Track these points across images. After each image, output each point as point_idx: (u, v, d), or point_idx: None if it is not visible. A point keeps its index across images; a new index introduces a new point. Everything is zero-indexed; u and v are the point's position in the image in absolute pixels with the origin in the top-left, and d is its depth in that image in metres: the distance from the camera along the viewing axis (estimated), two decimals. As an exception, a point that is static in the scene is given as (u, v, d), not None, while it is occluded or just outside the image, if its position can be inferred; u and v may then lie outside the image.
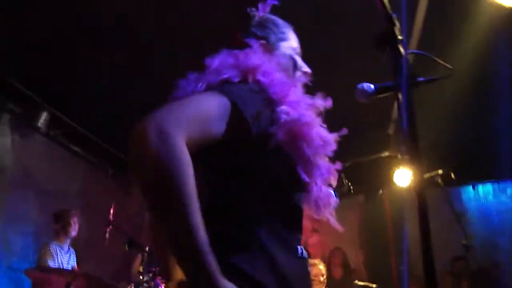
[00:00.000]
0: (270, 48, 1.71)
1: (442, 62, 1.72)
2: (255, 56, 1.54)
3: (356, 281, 5.19)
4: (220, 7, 4.01)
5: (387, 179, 6.06)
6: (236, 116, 1.32)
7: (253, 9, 1.83)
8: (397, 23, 1.36)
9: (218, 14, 4.07)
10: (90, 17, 4.32)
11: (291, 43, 1.79)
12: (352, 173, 6.10)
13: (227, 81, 1.44)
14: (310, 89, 1.66)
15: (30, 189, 5.66)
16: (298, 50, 1.81)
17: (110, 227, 4.65)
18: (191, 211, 1.13)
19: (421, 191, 1.16)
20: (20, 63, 4.86)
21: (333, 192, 1.55)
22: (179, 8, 4.15)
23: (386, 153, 6.06)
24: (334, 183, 1.61)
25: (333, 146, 1.51)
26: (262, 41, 1.71)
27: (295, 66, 1.76)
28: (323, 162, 1.49)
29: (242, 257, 1.33)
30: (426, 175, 4.40)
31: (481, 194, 6.55)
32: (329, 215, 1.54)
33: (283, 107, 1.43)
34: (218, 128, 1.30)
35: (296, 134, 1.43)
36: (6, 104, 5.37)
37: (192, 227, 1.13)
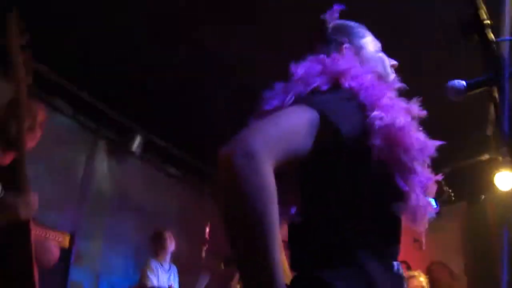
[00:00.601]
0: (355, 50, 1.64)
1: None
2: (342, 60, 1.47)
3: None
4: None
5: (489, 184, 5.70)
6: (327, 128, 1.25)
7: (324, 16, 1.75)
8: (483, 6, 1.24)
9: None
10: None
11: (373, 41, 1.72)
12: (452, 179, 5.88)
13: (316, 91, 1.38)
14: (401, 93, 1.56)
15: (127, 211, 5.88)
16: (380, 47, 1.73)
17: (207, 245, 4.73)
18: (272, 249, 1.05)
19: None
20: (110, 88, 5.09)
21: (433, 201, 1.43)
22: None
23: (486, 156, 5.73)
24: (433, 191, 1.47)
25: (432, 152, 1.40)
26: (346, 45, 1.65)
27: (384, 65, 1.67)
28: (421, 169, 1.37)
29: (334, 271, 1.24)
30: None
31: None
32: (425, 226, 1.40)
33: (376, 112, 1.34)
34: (308, 145, 1.23)
35: (392, 140, 1.33)
36: (100, 131, 5.65)
37: (271, 264, 1.05)
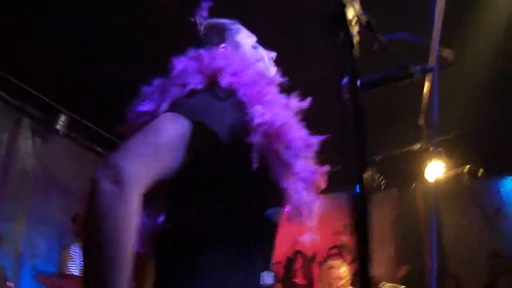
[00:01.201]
0: (233, 48, 1.60)
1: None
2: (220, 57, 1.42)
3: (384, 283, 4.97)
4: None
5: (420, 173, 5.81)
6: (203, 134, 1.23)
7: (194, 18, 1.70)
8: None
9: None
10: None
11: (249, 37, 1.67)
12: (384, 167, 5.95)
13: (192, 92, 1.31)
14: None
15: (53, 191, 5.68)
16: (256, 41, 1.69)
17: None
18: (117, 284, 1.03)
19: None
20: (35, 69, 4.83)
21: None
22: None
23: (418, 146, 5.80)
24: (323, 185, 1.47)
25: (314, 147, 1.40)
26: (222, 45, 1.61)
27: (264, 59, 1.64)
28: (305, 164, 1.37)
29: (195, 284, 1.23)
30: (451, 172, 4.16)
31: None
32: (312, 222, 1.39)
33: (256, 108, 1.31)
34: (184, 158, 1.22)
35: (272, 137, 1.31)
36: (25, 108, 5.39)
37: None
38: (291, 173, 1.33)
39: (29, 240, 5.45)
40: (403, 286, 4.84)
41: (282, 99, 1.43)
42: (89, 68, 4.79)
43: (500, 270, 4.92)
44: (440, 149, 5.55)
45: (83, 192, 4.50)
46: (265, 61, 1.64)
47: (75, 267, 4.76)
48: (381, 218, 6.69)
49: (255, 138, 1.28)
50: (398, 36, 1.58)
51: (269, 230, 1.41)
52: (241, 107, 1.32)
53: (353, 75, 1.08)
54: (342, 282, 4.45)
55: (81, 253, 3.86)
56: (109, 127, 5.97)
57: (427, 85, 5.00)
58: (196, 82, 1.33)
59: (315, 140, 1.40)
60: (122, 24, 4.30)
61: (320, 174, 1.42)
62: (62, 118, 5.37)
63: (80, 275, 4.54)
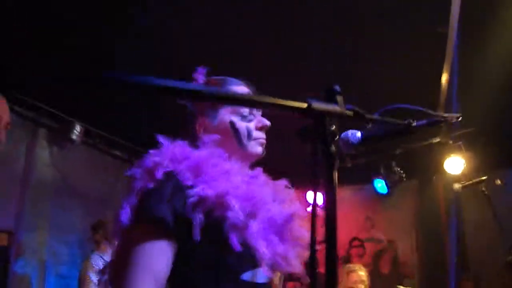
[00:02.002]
0: (208, 121, 1.66)
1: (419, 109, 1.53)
2: (166, 150, 1.50)
3: (399, 287, 4.94)
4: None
5: (440, 166, 5.72)
6: (167, 231, 1.36)
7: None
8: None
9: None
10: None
11: (235, 107, 1.67)
12: (404, 160, 5.87)
13: (143, 197, 1.42)
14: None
15: (72, 198, 5.76)
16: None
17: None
18: None
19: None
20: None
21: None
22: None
23: (437, 139, 5.70)
24: (303, 213, 1.54)
25: (259, 197, 1.46)
26: (200, 118, 1.67)
27: (239, 133, 1.65)
28: (266, 215, 1.45)
29: None
30: (468, 182, 4.08)
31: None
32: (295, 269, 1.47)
33: (194, 190, 1.40)
34: (169, 257, 1.39)
35: (215, 209, 1.39)
36: (41, 118, 5.42)
37: None
38: (250, 232, 1.39)
39: (52, 248, 5.55)
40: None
41: (223, 167, 1.49)
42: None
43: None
44: (459, 142, 5.45)
45: (101, 197, 4.59)
46: (240, 134, 1.66)
47: (95, 278, 4.83)
48: (402, 209, 6.64)
49: (193, 216, 1.36)
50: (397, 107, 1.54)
51: None
52: (181, 191, 1.40)
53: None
54: (362, 286, 4.43)
55: (101, 262, 3.95)
56: (122, 132, 6.02)
57: (445, 78, 4.89)
58: (142, 185, 1.43)
59: (255, 190, 1.48)
60: (130, 33, 4.27)
61: (286, 215, 1.49)
62: (77, 128, 5.39)
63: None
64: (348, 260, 5.85)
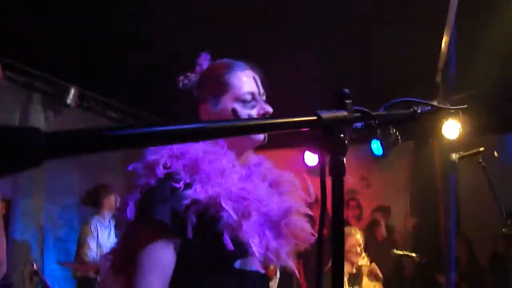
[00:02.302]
0: (210, 108, 1.67)
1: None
2: (165, 150, 1.52)
3: (394, 250, 5.01)
4: None
5: (437, 130, 5.72)
6: (174, 232, 1.44)
7: (187, 74, 1.76)
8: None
9: None
10: None
11: (234, 91, 1.65)
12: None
13: (145, 196, 1.47)
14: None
15: (67, 162, 5.72)
16: (249, 90, 1.67)
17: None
18: None
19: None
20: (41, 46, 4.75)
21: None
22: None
23: (434, 103, 5.67)
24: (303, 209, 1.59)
25: (248, 196, 1.49)
26: (203, 105, 1.69)
27: (238, 117, 1.63)
28: (256, 215, 1.49)
29: None
30: (465, 153, 4.07)
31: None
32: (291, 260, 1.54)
33: (188, 192, 1.45)
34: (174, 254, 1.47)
35: (208, 210, 1.44)
36: (34, 83, 5.34)
37: None
38: (243, 232, 1.44)
39: (49, 212, 5.58)
40: (414, 254, 4.86)
41: (220, 166, 1.52)
42: (93, 42, 4.70)
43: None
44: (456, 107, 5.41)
45: (98, 159, 4.55)
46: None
47: (93, 243, 4.88)
48: (397, 170, 6.67)
49: (188, 216, 1.42)
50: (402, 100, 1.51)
51: (242, 277, 1.54)
52: (176, 192, 1.45)
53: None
54: (359, 249, 4.51)
55: (101, 227, 3.98)
56: (118, 94, 5.95)
57: (445, 41, 4.83)
58: (143, 183, 1.48)
59: (246, 188, 1.50)
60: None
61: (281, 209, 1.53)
62: (72, 92, 5.31)
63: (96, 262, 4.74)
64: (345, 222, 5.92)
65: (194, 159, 1.50)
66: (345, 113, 1.07)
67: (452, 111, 4.39)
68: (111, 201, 5.07)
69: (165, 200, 1.44)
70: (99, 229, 4.99)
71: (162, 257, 1.45)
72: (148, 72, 5.02)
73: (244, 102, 1.64)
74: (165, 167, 1.48)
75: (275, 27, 4.51)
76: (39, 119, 5.44)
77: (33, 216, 5.34)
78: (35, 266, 4.60)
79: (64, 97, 5.28)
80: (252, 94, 1.66)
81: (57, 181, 5.60)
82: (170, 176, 1.47)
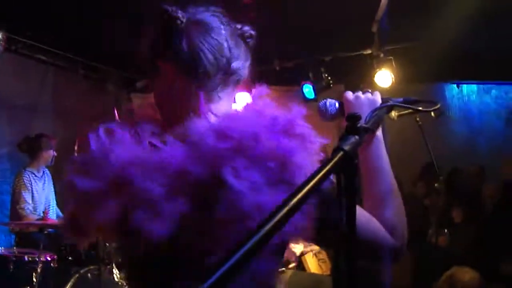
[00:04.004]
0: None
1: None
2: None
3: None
4: None
5: (368, 78, 5.89)
6: None
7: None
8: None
9: None
10: None
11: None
12: (333, 67, 5.97)
13: None
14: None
15: (-1, 109, 5.46)
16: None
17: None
18: None
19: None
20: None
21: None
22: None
23: (369, 51, 5.82)
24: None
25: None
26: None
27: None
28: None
29: None
30: (401, 113, 4.24)
31: (464, 93, 6.38)
32: None
33: None
34: None
35: None
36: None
37: None
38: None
39: (-19, 161, 5.33)
40: None
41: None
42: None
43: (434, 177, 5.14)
44: (390, 57, 5.61)
45: (29, 105, 4.37)
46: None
47: (28, 195, 4.75)
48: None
49: None
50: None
51: None
52: None
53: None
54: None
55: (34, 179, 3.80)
56: (47, 36, 5.62)
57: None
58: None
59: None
60: None
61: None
62: (0, 35, 4.95)
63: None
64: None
65: None
66: (358, 138, 1.13)
67: (384, 57, 4.50)
68: (48, 155, 4.93)
69: None
70: (33, 181, 4.86)
71: None
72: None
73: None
74: None
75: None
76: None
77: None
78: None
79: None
80: None
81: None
82: None
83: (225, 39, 1.29)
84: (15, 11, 4.84)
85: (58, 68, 6.20)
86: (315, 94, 5.97)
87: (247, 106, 1.30)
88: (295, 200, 0.89)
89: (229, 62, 1.29)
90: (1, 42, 4.96)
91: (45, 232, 4.17)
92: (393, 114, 4.41)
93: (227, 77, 1.31)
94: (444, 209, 5.03)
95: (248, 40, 1.39)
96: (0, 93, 5.47)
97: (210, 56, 1.26)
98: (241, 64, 1.33)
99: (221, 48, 1.28)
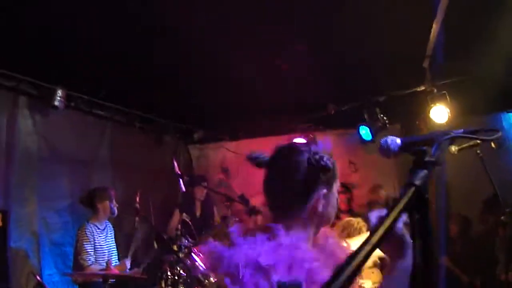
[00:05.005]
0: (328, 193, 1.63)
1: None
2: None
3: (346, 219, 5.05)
4: None
5: (424, 114, 5.79)
6: None
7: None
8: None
9: None
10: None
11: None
12: (387, 106, 5.91)
13: None
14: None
15: (59, 164, 5.64)
16: None
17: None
18: None
19: None
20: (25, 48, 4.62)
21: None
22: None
23: (422, 88, 5.74)
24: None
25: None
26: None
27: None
28: None
29: None
30: (462, 146, 4.14)
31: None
32: None
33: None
34: None
35: None
36: (20, 86, 5.19)
37: None
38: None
39: (43, 218, 5.48)
40: (358, 218, 4.85)
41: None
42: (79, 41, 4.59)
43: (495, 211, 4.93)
44: (443, 92, 5.51)
45: (88, 160, 4.47)
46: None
47: (91, 247, 4.83)
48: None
49: None
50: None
51: None
52: None
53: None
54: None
55: (97, 231, 3.88)
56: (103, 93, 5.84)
57: (434, 29, 4.85)
58: None
59: None
60: None
61: None
62: (59, 93, 5.17)
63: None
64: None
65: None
66: (426, 172, 1.10)
67: (438, 92, 4.42)
68: (106, 206, 5.03)
69: None
70: (95, 233, 4.95)
71: None
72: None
73: None
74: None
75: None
76: (27, 123, 5.30)
77: (27, 222, 5.23)
78: (38, 277, 4.58)
79: (51, 99, 5.14)
80: None
81: (48, 185, 5.50)
82: None
83: None
84: (72, 68, 5.03)
85: (115, 122, 6.40)
86: (372, 136, 5.91)
87: None
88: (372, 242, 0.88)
89: None
90: (61, 99, 5.19)
91: (109, 282, 4.23)
92: (453, 148, 4.35)
93: None
94: (512, 243, 4.79)
95: None
96: (60, 148, 5.66)
97: None
98: None
99: None
